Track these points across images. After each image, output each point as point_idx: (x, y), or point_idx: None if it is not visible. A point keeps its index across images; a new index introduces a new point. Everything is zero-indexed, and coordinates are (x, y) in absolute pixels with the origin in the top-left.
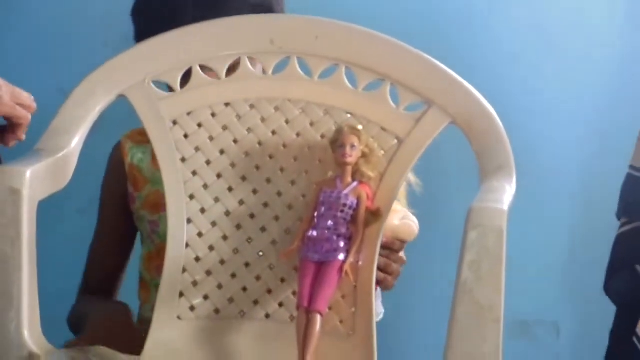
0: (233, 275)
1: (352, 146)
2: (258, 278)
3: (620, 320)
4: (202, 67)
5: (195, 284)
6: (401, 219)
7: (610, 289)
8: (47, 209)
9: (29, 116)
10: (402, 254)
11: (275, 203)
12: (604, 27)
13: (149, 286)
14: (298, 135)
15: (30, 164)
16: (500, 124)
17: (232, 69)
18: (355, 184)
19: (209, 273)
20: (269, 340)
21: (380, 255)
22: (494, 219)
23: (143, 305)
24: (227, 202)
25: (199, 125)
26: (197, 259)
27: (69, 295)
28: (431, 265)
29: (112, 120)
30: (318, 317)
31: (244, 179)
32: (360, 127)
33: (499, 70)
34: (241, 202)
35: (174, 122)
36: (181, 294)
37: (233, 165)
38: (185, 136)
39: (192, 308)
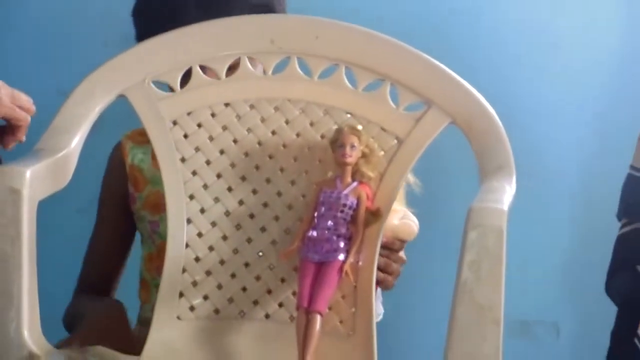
0: (233, 276)
1: (352, 146)
2: (258, 278)
3: (622, 321)
4: (202, 67)
5: (195, 284)
6: (401, 218)
7: (611, 289)
8: (47, 209)
9: (29, 118)
10: (402, 253)
11: (275, 203)
12: (607, 29)
13: (150, 286)
14: (298, 135)
15: (30, 163)
16: (500, 123)
17: (232, 69)
18: (355, 184)
19: (208, 273)
20: (269, 340)
21: (380, 255)
22: (493, 219)
23: (143, 305)
24: (227, 202)
25: (199, 125)
26: (197, 259)
27: (69, 295)
28: (431, 265)
29: (112, 120)
30: (318, 318)
31: (243, 179)
32: (360, 127)
33: (503, 72)
34: (241, 202)
35: (174, 122)
36: (181, 294)
37: (233, 165)
38: (185, 136)
39: (192, 308)
